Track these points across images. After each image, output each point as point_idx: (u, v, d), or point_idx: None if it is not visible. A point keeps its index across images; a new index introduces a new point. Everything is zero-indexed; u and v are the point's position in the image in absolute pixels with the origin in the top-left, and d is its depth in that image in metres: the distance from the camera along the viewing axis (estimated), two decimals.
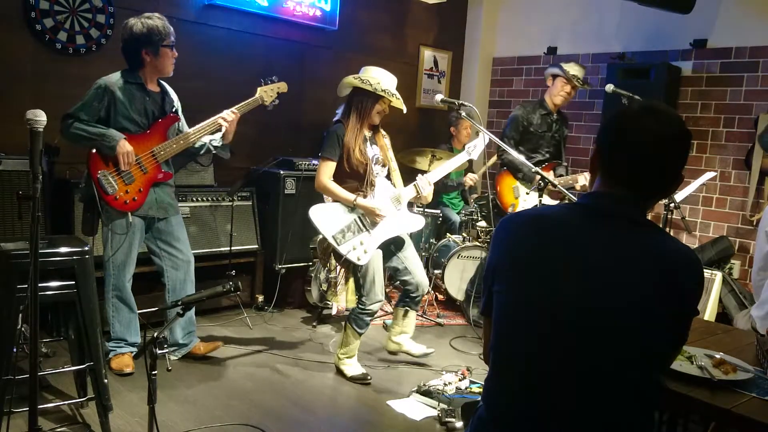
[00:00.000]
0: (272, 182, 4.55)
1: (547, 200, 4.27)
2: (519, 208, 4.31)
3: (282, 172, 4.53)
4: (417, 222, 3.55)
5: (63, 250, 2.53)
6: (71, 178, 3.75)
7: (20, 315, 2.42)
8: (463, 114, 3.36)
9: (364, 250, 3.31)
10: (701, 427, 2.33)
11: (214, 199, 4.35)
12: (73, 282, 2.54)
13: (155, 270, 3.49)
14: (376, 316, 3.58)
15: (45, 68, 3.83)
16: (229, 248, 4.30)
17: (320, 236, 3.31)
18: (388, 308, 4.62)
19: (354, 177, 3.39)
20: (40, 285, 2.02)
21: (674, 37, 4.97)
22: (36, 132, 1.97)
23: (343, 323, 3.57)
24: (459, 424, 2.94)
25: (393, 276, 3.67)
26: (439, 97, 3.32)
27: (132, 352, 3.35)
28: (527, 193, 4.32)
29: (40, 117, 1.98)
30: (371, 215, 3.33)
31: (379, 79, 3.33)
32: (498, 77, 6.32)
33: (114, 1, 4.02)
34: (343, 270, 3.36)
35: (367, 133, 3.45)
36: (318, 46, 5.19)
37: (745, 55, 4.66)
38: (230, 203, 4.38)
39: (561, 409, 1.31)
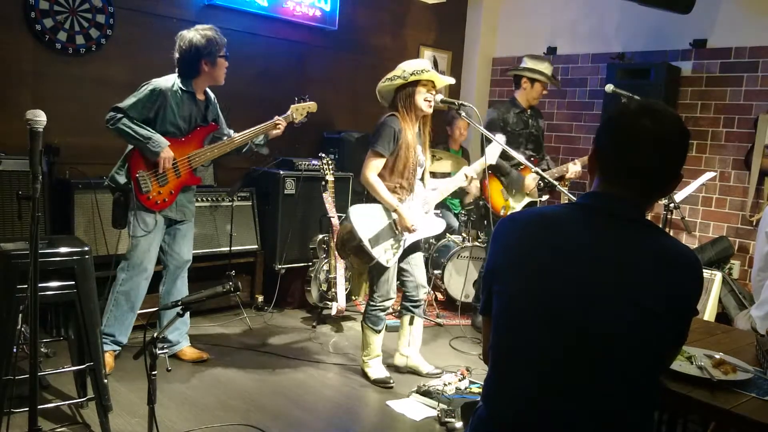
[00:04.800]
0: (272, 182, 4.55)
1: (530, 200, 4.28)
2: (510, 210, 4.30)
3: (282, 172, 4.53)
4: (439, 225, 3.57)
5: (63, 250, 2.54)
6: (71, 178, 3.75)
7: (20, 315, 2.42)
8: (463, 114, 3.35)
9: (393, 252, 3.33)
10: (701, 427, 2.33)
11: (214, 199, 4.35)
12: (73, 282, 2.54)
13: (156, 271, 3.48)
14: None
15: (45, 68, 3.83)
16: (228, 248, 4.30)
17: (347, 233, 3.25)
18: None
19: (397, 175, 3.32)
20: (40, 285, 2.02)
21: (674, 37, 4.97)
22: (36, 132, 1.97)
23: (358, 326, 3.56)
24: (459, 424, 2.94)
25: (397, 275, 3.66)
26: (439, 97, 3.31)
27: (115, 351, 3.34)
28: (513, 191, 4.29)
29: (39, 117, 1.98)
30: (402, 226, 3.29)
31: (405, 66, 3.28)
32: (498, 77, 6.32)
33: (114, 1, 4.02)
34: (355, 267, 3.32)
35: (415, 130, 3.36)
36: (318, 46, 5.19)
37: (745, 55, 4.66)
38: (230, 203, 4.38)
39: (561, 409, 1.31)
